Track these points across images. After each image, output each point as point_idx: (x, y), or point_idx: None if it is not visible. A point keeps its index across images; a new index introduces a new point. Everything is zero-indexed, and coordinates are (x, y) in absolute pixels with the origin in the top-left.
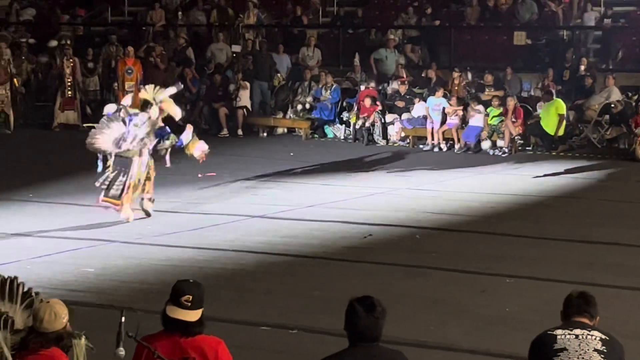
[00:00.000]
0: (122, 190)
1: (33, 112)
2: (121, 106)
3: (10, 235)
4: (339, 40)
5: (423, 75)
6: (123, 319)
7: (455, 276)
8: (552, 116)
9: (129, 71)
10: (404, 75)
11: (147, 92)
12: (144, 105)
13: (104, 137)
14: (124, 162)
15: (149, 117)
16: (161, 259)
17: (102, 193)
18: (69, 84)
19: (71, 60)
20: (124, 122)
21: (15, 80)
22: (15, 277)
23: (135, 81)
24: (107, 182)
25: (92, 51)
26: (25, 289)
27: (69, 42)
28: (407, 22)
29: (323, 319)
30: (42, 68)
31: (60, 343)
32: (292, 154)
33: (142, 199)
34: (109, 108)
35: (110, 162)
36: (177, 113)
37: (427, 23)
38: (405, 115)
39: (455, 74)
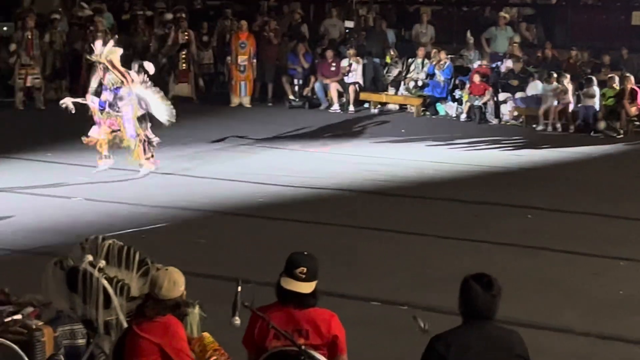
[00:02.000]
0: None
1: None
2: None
3: (126, 204)
4: (453, 18)
5: (539, 54)
6: (239, 288)
7: (569, 257)
8: None
9: (242, 45)
10: (519, 54)
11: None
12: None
13: None
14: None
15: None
16: (274, 231)
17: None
18: (184, 56)
19: (186, 33)
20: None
21: None
22: (132, 246)
23: (248, 55)
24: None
25: (207, 25)
26: (141, 258)
27: (184, 15)
28: (522, 0)
29: (434, 296)
30: (158, 40)
31: (177, 311)
32: (403, 130)
33: None
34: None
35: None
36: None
37: (542, 1)
38: (519, 94)
39: (573, 53)
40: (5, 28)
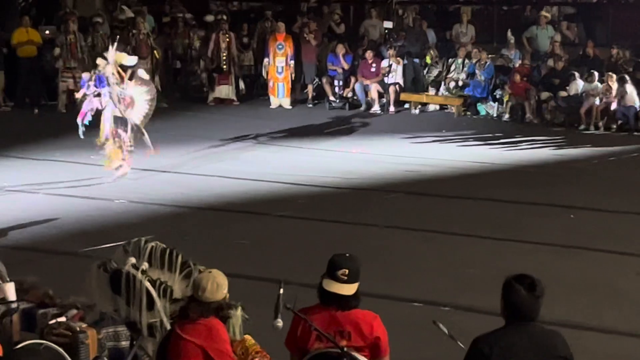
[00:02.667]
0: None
1: (189, 86)
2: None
3: (168, 206)
4: (493, 17)
5: (580, 52)
6: (281, 290)
7: (611, 257)
8: None
9: (280, 47)
10: (560, 53)
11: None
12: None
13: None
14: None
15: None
16: (315, 233)
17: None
18: (224, 58)
19: (227, 35)
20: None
21: (155, 52)
22: (174, 248)
23: (286, 56)
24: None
25: (247, 26)
26: (184, 259)
27: (225, 17)
28: None
29: (476, 297)
30: (199, 43)
31: (220, 313)
32: (443, 131)
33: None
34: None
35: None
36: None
37: (583, 0)
38: (560, 93)
39: (614, 51)
40: (47, 32)
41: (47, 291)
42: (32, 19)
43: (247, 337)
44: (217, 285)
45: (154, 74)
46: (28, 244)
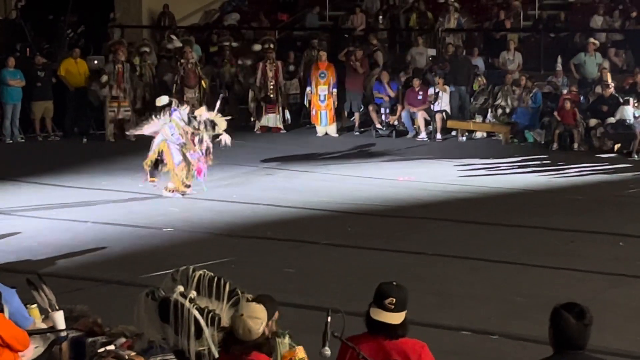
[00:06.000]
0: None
1: (237, 115)
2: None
3: (214, 234)
4: (541, 44)
5: (629, 80)
6: (329, 319)
7: None
8: None
9: (322, 75)
10: (608, 80)
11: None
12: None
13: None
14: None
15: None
16: (360, 261)
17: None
18: (272, 87)
19: (274, 64)
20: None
21: (203, 82)
22: (222, 276)
23: (328, 85)
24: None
25: (293, 55)
26: (231, 288)
27: (272, 46)
28: (611, 25)
29: (525, 326)
30: (246, 71)
31: (260, 350)
32: (491, 158)
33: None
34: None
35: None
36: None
37: (631, 26)
38: (608, 120)
39: None
40: (96, 62)
41: (96, 319)
42: (80, 50)
43: (299, 349)
44: (249, 330)
45: (202, 103)
46: (77, 272)
